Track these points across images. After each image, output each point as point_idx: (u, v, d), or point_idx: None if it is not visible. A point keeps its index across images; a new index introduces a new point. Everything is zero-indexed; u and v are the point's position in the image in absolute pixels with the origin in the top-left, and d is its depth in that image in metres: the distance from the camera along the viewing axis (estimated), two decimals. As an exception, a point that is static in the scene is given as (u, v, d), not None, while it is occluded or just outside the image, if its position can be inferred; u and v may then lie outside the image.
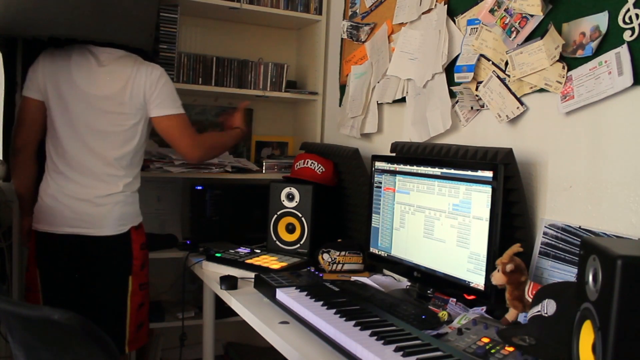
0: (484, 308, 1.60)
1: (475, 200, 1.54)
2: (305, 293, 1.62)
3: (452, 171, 1.62)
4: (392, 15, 2.28)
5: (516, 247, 1.44)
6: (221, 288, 1.88)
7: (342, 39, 2.68)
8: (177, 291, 2.82)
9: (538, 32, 1.59)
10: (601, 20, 1.42)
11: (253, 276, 1.84)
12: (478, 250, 1.53)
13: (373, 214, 1.98)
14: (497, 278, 1.44)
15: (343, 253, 2.08)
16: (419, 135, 2.07)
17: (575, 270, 1.39)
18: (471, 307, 1.63)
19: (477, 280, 1.52)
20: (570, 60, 1.51)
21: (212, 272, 2.09)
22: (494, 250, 1.48)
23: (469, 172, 1.56)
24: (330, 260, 2.07)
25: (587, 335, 0.97)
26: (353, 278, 1.95)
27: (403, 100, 2.19)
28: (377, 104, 2.36)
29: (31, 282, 1.97)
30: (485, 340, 1.30)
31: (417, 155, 1.90)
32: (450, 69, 1.92)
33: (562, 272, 1.49)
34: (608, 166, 1.43)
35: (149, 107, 1.97)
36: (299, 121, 3.11)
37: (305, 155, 2.42)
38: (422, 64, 2.07)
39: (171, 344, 2.75)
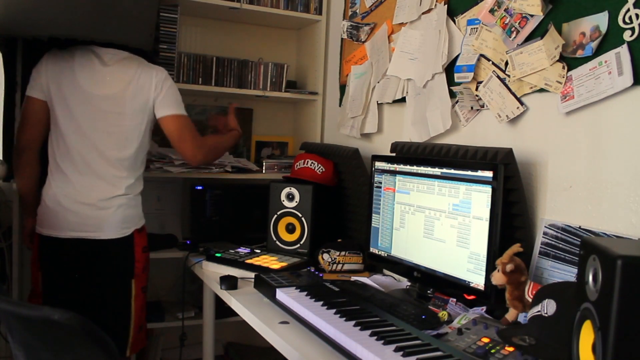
0: (484, 308, 1.60)
1: (475, 200, 1.54)
2: (305, 293, 1.62)
3: (452, 171, 1.62)
4: (392, 15, 2.28)
5: (516, 247, 1.44)
6: (221, 288, 1.88)
7: (342, 39, 2.68)
8: (177, 291, 2.82)
9: (538, 32, 1.59)
10: (601, 20, 1.42)
11: (253, 276, 1.84)
12: (478, 250, 1.53)
13: (373, 214, 1.98)
14: (497, 278, 1.44)
15: (343, 253, 2.08)
16: (419, 135, 2.07)
17: (575, 270, 1.39)
18: (471, 307, 1.63)
19: (477, 280, 1.52)
20: (570, 60, 1.51)
21: (212, 272, 2.09)
22: (494, 250, 1.48)
23: (469, 172, 1.56)
24: (330, 260, 2.07)
25: (587, 335, 0.97)
26: (353, 278, 1.95)
27: (403, 100, 2.19)
28: (377, 104, 2.36)
29: (33, 285, 1.97)
30: (485, 340, 1.30)
31: (417, 155, 1.90)
32: (450, 69, 1.92)
33: (562, 272, 1.49)
34: (608, 166, 1.43)
35: (157, 108, 1.98)
36: (299, 121, 3.11)
37: (305, 155, 2.42)
38: (422, 64, 2.07)
39: (171, 344, 2.75)
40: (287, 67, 2.84)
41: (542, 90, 1.59)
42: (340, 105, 2.69)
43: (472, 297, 1.61)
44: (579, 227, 1.48)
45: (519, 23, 1.64)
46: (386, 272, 2.13)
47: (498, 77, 1.72)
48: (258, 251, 2.25)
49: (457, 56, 1.88)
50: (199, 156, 2.10)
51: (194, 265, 2.23)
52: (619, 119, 1.40)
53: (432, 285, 1.75)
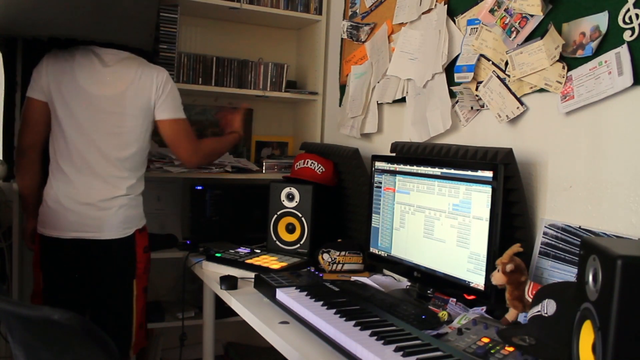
0: (484, 308, 1.60)
1: (475, 200, 1.54)
2: (305, 293, 1.62)
3: (452, 171, 1.62)
4: (392, 15, 2.28)
5: (516, 247, 1.44)
6: (221, 288, 1.88)
7: (342, 39, 2.68)
8: (177, 291, 2.82)
9: (538, 32, 1.59)
10: (601, 20, 1.42)
11: (253, 276, 1.84)
12: (478, 250, 1.53)
13: (373, 214, 1.98)
14: (497, 278, 1.44)
15: (343, 253, 2.08)
16: (419, 135, 2.07)
17: (575, 270, 1.39)
18: (471, 307, 1.63)
19: (477, 280, 1.52)
20: (570, 60, 1.51)
21: (212, 272, 2.09)
22: (494, 250, 1.48)
23: (469, 172, 1.56)
24: (330, 260, 2.07)
25: (587, 335, 0.97)
26: (353, 278, 1.95)
27: (403, 100, 2.19)
28: (377, 104, 2.36)
29: (35, 286, 1.97)
30: (485, 340, 1.30)
31: (417, 155, 1.90)
32: (450, 69, 1.92)
33: (562, 272, 1.49)
34: (608, 166, 1.43)
35: (156, 110, 1.98)
36: (299, 121, 3.11)
37: (305, 155, 2.42)
38: (422, 64, 2.07)
39: (171, 344, 2.75)
40: (287, 67, 2.84)
41: (542, 90, 1.59)
42: (340, 105, 2.69)
43: (472, 297, 1.61)
44: (579, 227, 1.48)
45: (519, 23, 1.64)
46: (386, 272, 2.13)
47: (498, 77, 1.72)
48: (258, 251, 2.25)
49: (457, 56, 1.88)
50: (194, 160, 2.14)
51: (194, 265, 2.23)
52: (619, 119, 1.40)
53: (432, 285, 1.75)
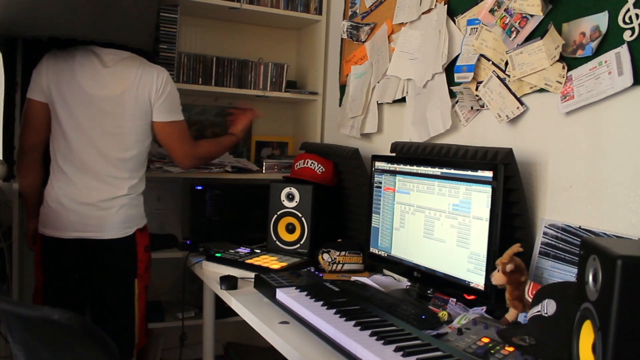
0: (484, 308, 1.60)
1: (475, 200, 1.54)
2: (305, 293, 1.62)
3: (452, 171, 1.62)
4: (392, 15, 2.28)
5: (516, 247, 1.44)
6: (221, 288, 1.88)
7: (342, 39, 2.68)
8: (177, 291, 2.82)
9: (538, 32, 1.59)
10: (601, 20, 1.42)
11: (253, 276, 1.84)
12: (478, 250, 1.53)
13: (373, 214, 1.98)
14: (497, 278, 1.44)
15: (343, 253, 2.08)
16: (419, 135, 2.07)
17: (575, 270, 1.39)
18: (471, 307, 1.63)
19: (477, 280, 1.52)
20: (570, 60, 1.51)
21: (212, 272, 2.09)
22: (494, 250, 1.48)
23: (469, 172, 1.56)
24: (330, 260, 2.07)
25: (587, 335, 0.97)
26: (353, 278, 1.95)
27: (403, 100, 2.19)
28: (377, 104, 2.36)
29: (36, 286, 1.97)
30: (485, 340, 1.30)
31: (417, 155, 1.90)
32: (450, 69, 1.92)
33: (562, 272, 1.49)
34: (608, 166, 1.43)
35: (153, 111, 1.98)
36: (299, 121, 3.11)
37: (305, 155, 2.42)
38: (422, 64, 2.07)
39: (171, 344, 2.75)
40: (287, 67, 2.84)
41: (542, 90, 1.59)
42: (340, 105, 2.69)
43: (472, 297, 1.61)
44: (579, 227, 1.48)
45: (519, 23, 1.64)
46: (386, 272, 2.13)
47: (498, 77, 1.72)
48: (258, 251, 2.25)
49: (457, 56, 1.88)
50: (186, 163, 2.15)
51: (194, 265, 2.23)
52: (619, 119, 1.40)
53: (432, 285, 1.75)
